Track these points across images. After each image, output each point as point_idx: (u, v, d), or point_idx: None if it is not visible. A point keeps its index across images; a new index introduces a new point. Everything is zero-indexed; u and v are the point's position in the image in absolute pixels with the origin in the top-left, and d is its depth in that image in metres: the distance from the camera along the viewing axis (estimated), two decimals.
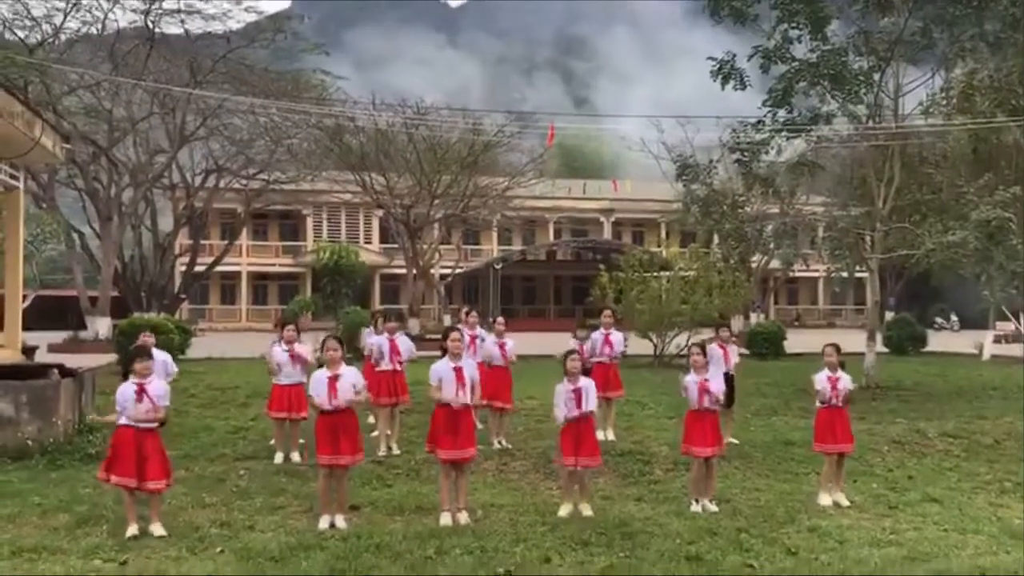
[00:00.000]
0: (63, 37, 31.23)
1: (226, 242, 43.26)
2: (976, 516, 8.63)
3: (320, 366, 8.27)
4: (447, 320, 41.39)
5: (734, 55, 18.56)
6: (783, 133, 19.09)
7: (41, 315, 35.48)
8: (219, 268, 42.98)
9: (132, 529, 7.40)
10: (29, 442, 10.45)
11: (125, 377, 7.69)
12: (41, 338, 22.74)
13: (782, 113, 18.99)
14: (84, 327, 31.86)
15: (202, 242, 40.97)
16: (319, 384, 7.97)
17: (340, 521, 7.85)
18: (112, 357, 21.16)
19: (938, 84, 19.47)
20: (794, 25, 18.11)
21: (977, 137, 18.23)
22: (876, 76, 18.65)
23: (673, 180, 25.13)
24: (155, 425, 7.60)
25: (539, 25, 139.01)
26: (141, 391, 7.52)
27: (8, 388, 10.66)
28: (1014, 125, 18.20)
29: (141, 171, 32.85)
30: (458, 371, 8.19)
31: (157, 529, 7.48)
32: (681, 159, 21.29)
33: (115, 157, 32.03)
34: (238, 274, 53.54)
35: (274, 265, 55.01)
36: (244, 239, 51.05)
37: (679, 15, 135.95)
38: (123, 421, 7.52)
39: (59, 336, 31.07)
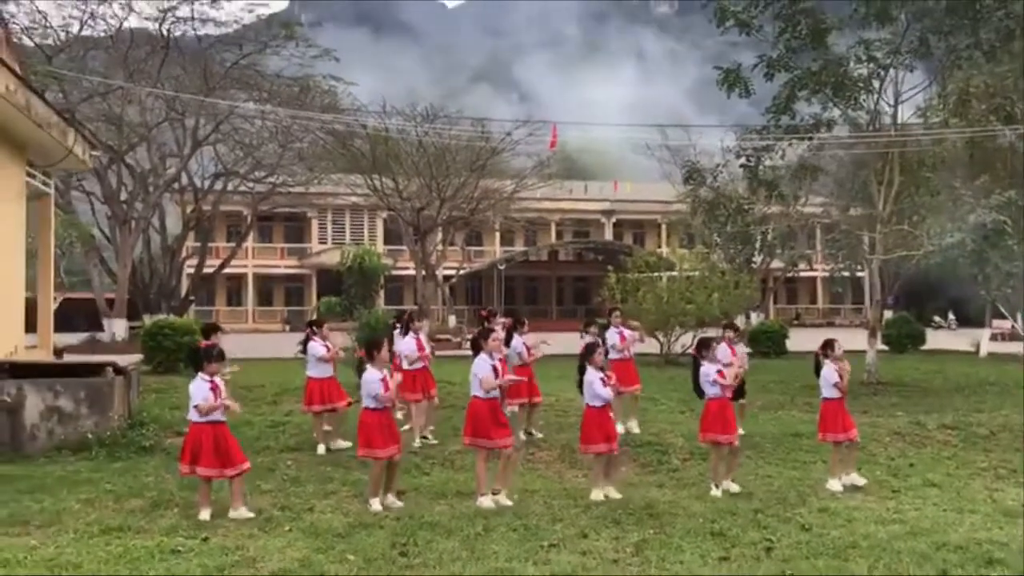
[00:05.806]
0: (80, 45, 31.85)
1: (232, 244, 43.90)
2: (973, 498, 9.35)
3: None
4: (452, 320, 42.08)
5: (739, 64, 19.25)
6: (785, 139, 19.80)
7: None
8: (225, 270, 43.65)
9: (205, 513, 8.09)
10: (88, 435, 11.17)
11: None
12: (57, 340, 23.25)
13: (785, 119, 19.72)
14: (100, 329, 32.46)
15: (209, 244, 41.61)
16: (377, 383, 8.61)
17: (396, 502, 8.61)
18: (136, 357, 21.78)
19: (935, 91, 20.18)
20: (796, 36, 18.81)
21: (973, 142, 18.97)
22: (876, 83, 19.36)
23: (674, 182, 25.84)
24: (225, 418, 8.32)
25: (467, 40, 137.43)
26: (215, 388, 8.26)
27: (68, 385, 11.37)
28: (1008, 131, 18.93)
29: (153, 175, 33.49)
30: (495, 367, 8.93)
31: (245, 512, 8.13)
32: (689, 163, 21.98)
33: (129, 163, 32.69)
34: (244, 276, 54.17)
35: (279, 267, 55.65)
36: (250, 241, 51.69)
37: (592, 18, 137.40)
38: (198, 418, 8.20)
39: (73, 338, 31.68)
